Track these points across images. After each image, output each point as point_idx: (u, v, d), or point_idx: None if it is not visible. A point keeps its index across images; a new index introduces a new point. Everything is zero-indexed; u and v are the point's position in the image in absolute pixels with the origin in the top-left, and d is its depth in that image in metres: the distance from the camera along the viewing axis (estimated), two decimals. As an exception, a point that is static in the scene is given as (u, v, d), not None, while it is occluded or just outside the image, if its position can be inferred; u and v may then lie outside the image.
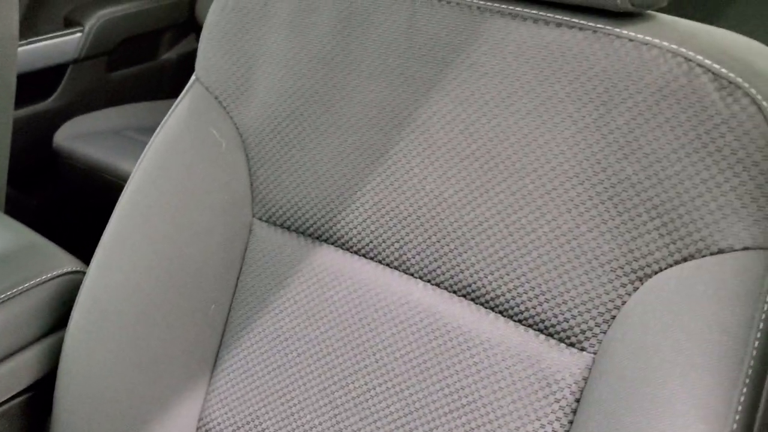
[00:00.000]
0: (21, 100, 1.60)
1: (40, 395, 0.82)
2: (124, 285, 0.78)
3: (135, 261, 0.78)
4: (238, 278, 0.80)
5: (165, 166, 0.79)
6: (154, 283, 0.78)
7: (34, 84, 1.65)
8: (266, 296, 0.78)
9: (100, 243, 0.80)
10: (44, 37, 1.66)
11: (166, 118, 0.81)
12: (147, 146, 0.81)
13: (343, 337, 0.73)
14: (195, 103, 0.80)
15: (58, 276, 0.82)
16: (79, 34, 1.71)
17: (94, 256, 0.80)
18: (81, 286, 0.80)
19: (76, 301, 0.79)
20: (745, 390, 0.49)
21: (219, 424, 0.78)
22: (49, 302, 0.82)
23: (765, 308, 0.52)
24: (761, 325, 0.50)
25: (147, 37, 1.85)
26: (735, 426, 0.51)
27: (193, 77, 0.82)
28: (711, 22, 0.72)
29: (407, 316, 0.70)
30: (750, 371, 0.48)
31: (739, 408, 0.50)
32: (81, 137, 1.63)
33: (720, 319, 0.54)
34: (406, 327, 0.70)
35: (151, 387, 0.78)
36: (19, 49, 1.56)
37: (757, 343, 0.48)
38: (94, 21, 1.72)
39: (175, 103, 0.81)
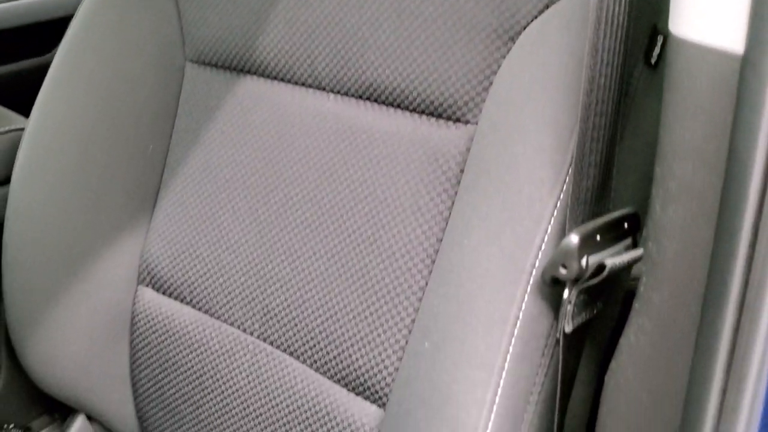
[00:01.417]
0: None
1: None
2: (61, 127, 0.82)
3: (72, 105, 0.82)
4: (174, 120, 0.83)
5: (97, 17, 0.83)
6: (91, 125, 0.82)
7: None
8: (198, 132, 0.81)
9: (40, 91, 0.84)
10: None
11: None
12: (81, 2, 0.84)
13: (264, 157, 0.76)
14: None
15: (5, 133, 0.87)
16: None
17: (34, 105, 0.84)
18: (22, 136, 0.84)
19: (18, 149, 0.83)
20: (583, 100, 0.51)
21: (158, 257, 0.82)
22: None
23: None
24: (589, 46, 0.52)
25: None
26: (578, 131, 0.53)
27: None
28: None
29: (319, 127, 0.73)
30: (585, 87, 0.50)
31: (578, 118, 0.52)
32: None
33: (567, 43, 0.56)
34: (318, 137, 0.73)
35: (93, 225, 0.82)
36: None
37: (588, 58, 0.50)
38: None
39: None
